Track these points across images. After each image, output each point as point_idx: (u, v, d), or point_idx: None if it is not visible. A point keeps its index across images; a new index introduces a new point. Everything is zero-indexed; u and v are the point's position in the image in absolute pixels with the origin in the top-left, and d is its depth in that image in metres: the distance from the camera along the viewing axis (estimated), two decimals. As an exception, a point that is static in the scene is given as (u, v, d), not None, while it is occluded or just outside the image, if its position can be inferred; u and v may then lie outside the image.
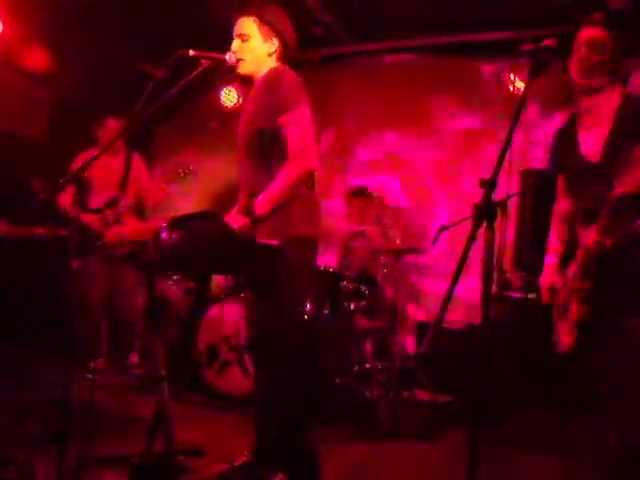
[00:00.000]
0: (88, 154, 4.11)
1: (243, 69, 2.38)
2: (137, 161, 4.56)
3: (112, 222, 4.03)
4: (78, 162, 4.18)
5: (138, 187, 4.43)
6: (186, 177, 3.84)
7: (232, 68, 2.39)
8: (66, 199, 4.25)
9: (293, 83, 2.28)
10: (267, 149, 2.28)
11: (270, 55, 2.41)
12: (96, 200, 4.32)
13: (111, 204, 4.21)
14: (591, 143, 2.06)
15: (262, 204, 2.19)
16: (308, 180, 2.29)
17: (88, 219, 4.22)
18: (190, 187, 6.15)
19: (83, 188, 4.29)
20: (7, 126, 3.71)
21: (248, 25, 2.39)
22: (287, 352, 2.29)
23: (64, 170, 3.85)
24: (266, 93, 2.29)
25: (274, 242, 2.17)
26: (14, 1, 4.14)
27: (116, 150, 4.40)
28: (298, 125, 2.24)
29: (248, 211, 2.17)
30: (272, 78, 2.32)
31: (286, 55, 2.45)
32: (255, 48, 2.38)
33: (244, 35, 2.38)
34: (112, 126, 4.33)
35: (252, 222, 2.16)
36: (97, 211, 4.24)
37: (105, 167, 4.26)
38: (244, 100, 2.55)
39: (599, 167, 2.01)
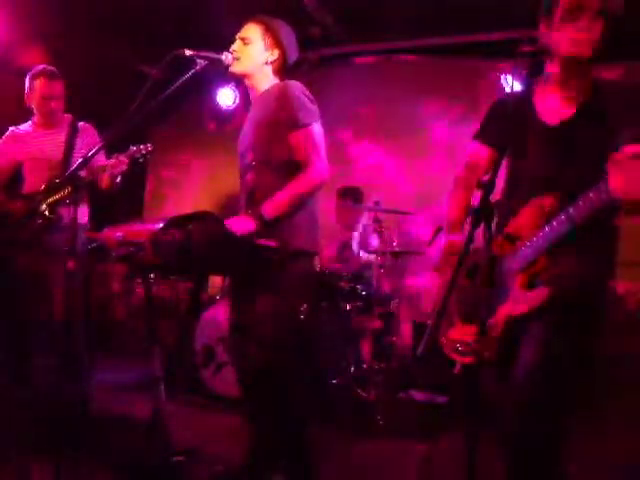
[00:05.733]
0: (21, 132, 3.59)
1: (236, 68, 2.38)
2: (87, 135, 3.61)
3: (44, 209, 3.34)
4: (9, 138, 3.59)
5: (89, 166, 3.31)
6: (143, 159, 3.28)
7: (228, 68, 2.39)
8: None
9: (305, 99, 2.30)
10: (278, 163, 2.28)
11: (267, 64, 2.42)
12: (31, 183, 3.51)
13: (49, 188, 3.36)
14: None
15: (272, 208, 2.19)
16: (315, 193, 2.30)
17: (14, 206, 3.45)
18: (187, 188, 6.17)
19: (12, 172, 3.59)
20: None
21: (253, 30, 2.41)
22: (284, 353, 2.29)
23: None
24: (276, 109, 2.29)
25: (272, 243, 2.17)
26: (14, 1, 4.14)
27: (58, 122, 3.59)
28: (310, 141, 2.25)
29: (256, 214, 2.16)
30: (282, 93, 2.31)
31: (284, 68, 2.46)
32: (254, 53, 2.39)
33: (247, 39, 2.40)
34: (38, 86, 3.50)
35: (260, 226, 2.15)
36: (27, 197, 3.48)
37: (45, 144, 3.53)
38: (246, 111, 2.55)
39: None
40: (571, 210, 1.67)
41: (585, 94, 1.83)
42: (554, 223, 1.72)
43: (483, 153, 2.07)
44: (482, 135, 2.08)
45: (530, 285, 1.78)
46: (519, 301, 1.78)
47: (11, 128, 3.65)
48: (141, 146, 3.27)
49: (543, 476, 1.72)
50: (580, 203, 1.64)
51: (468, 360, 1.90)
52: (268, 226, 2.17)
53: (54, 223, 3.36)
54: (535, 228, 1.78)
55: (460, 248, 1.96)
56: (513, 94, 2.13)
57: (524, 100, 1.88)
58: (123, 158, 3.25)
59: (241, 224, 2.14)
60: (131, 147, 3.29)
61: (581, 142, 1.78)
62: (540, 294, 1.74)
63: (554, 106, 1.86)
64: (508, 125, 1.89)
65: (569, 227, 1.68)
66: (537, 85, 1.92)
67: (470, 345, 1.88)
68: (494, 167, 1.54)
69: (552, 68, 1.87)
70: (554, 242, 1.72)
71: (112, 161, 3.25)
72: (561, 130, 1.83)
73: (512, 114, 1.88)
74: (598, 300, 1.84)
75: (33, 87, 3.54)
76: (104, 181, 3.34)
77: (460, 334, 1.93)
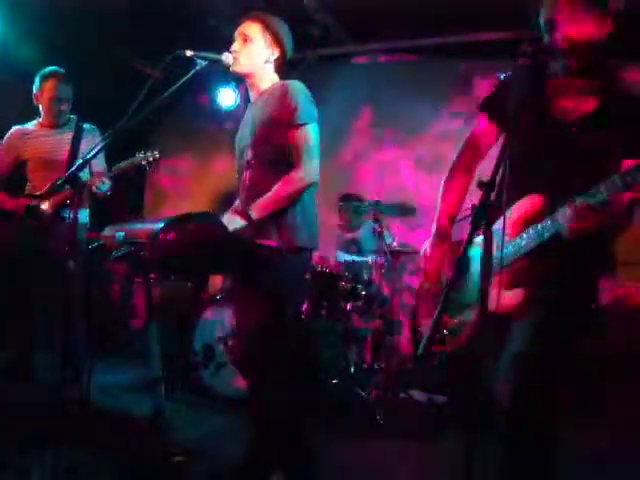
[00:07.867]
0: (25, 131, 3.63)
1: (237, 67, 2.39)
2: (91, 136, 3.64)
3: (46, 210, 3.35)
4: (13, 136, 3.63)
5: (90, 170, 3.49)
6: (149, 166, 3.27)
7: (228, 68, 2.40)
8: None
9: (305, 98, 2.31)
10: (276, 162, 2.30)
11: (267, 63, 2.43)
12: (34, 183, 3.57)
13: (53, 189, 3.32)
14: None
15: (259, 209, 2.22)
16: (307, 192, 2.30)
17: (16, 206, 3.47)
18: (187, 188, 6.17)
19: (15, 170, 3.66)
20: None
21: (253, 28, 2.41)
22: (283, 352, 2.29)
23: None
24: (277, 107, 2.30)
25: (272, 242, 2.18)
26: (14, 1, 4.14)
27: (64, 122, 3.64)
28: (306, 140, 2.27)
29: (245, 214, 2.19)
30: (284, 92, 2.32)
31: (284, 66, 2.47)
32: (254, 51, 2.40)
33: (247, 36, 2.40)
34: (49, 88, 3.53)
35: (248, 225, 2.18)
36: (30, 197, 3.50)
37: (49, 143, 3.58)
38: (245, 109, 2.56)
39: None
40: (556, 217, 1.67)
41: (600, 95, 1.76)
42: (538, 226, 1.72)
43: (487, 128, 2.02)
44: (488, 109, 2.01)
45: (510, 285, 1.76)
46: (496, 301, 1.76)
47: (15, 126, 3.66)
48: (147, 153, 3.27)
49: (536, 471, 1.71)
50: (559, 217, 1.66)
51: (449, 349, 1.90)
52: (256, 225, 2.19)
53: (55, 223, 3.37)
54: (520, 228, 1.77)
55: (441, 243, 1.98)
56: (523, 79, 2.05)
57: (534, 91, 1.83)
58: (105, 180, 3.29)
59: (231, 224, 2.16)
60: (137, 154, 3.29)
61: (586, 144, 1.73)
62: (515, 295, 1.73)
63: (567, 104, 1.80)
64: (513, 109, 1.79)
65: (551, 233, 1.68)
66: (550, 81, 1.85)
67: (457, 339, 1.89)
68: (496, 166, 1.52)
69: (563, 65, 1.81)
70: (536, 244, 1.72)
71: (98, 180, 3.27)
72: (569, 129, 1.78)
73: (519, 101, 1.80)
74: (582, 301, 1.81)
75: (44, 88, 3.55)
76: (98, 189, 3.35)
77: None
